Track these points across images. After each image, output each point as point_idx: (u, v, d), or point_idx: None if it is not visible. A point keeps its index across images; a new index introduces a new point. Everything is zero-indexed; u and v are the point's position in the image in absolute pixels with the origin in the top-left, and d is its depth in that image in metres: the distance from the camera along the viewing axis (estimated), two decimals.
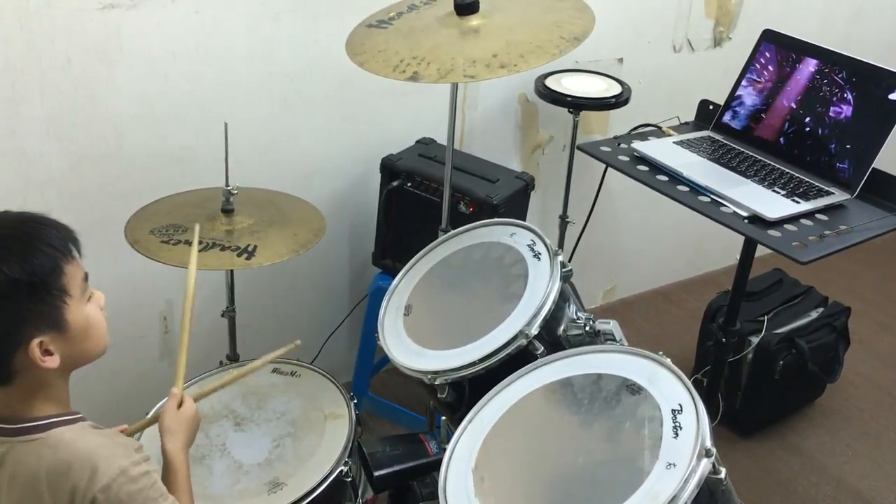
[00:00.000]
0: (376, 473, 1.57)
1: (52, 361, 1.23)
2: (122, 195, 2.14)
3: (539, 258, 1.70)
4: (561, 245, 2.85)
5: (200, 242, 1.82)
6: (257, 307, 2.53)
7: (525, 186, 2.43)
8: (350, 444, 1.70)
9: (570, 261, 2.71)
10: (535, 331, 1.57)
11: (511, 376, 1.51)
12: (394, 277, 1.87)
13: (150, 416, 1.49)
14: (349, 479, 1.66)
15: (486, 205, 2.29)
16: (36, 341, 1.20)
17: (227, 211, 1.92)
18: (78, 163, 2.11)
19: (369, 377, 2.68)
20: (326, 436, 1.73)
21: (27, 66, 1.96)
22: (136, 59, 2.08)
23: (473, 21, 1.73)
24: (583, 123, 2.89)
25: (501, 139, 2.84)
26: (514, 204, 2.39)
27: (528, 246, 1.74)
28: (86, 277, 1.28)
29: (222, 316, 2.08)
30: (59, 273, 1.23)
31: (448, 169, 2.04)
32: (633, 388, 1.37)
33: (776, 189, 1.79)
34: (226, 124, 1.87)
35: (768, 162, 1.90)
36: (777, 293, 2.88)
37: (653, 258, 3.47)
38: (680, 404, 1.30)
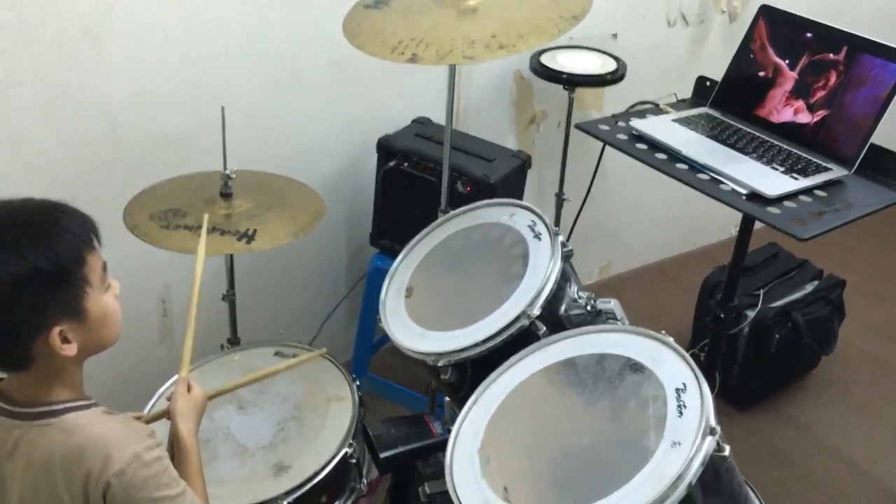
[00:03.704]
0: (382, 455, 1.58)
1: (71, 349, 1.23)
2: (117, 179, 2.13)
3: (539, 238, 1.70)
4: (558, 222, 2.85)
5: (199, 227, 1.82)
6: (255, 289, 2.53)
7: (521, 165, 2.43)
8: (354, 426, 1.71)
9: (568, 239, 2.72)
10: (537, 311, 1.57)
11: (514, 357, 1.51)
12: (392, 258, 1.87)
13: (159, 404, 1.49)
14: (354, 461, 1.67)
15: (483, 184, 2.29)
16: (56, 329, 1.21)
17: (226, 195, 1.91)
18: (72, 147, 2.09)
19: (369, 357, 2.69)
20: (330, 418, 1.74)
21: (19, 49, 1.94)
22: (128, 42, 2.06)
23: (471, 1, 1.72)
24: (578, 100, 2.88)
25: (497, 117, 2.83)
26: (511, 183, 2.39)
27: (529, 226, 1.73)
28: (104, 267, 1.29)
29: (222, 300, 2.08)
30: (81, 262, 1.24)
31: (447, 150, 2.04)
32: (637, 368, 1.37)
33: (775, 166, 1.80)
34: (223, 108, 1.86)
35: (766, 139, 1.90)
36: (772, 267, 2.89)
37: (648, 233, 3.48)
38: (683, 383, 1.30)
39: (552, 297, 1.61)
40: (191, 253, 1.72)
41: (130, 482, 1.20)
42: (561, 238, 1.68)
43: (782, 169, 1.78)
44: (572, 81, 2.56)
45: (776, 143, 1.88)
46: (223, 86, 2.23)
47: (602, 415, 1.37)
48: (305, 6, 2.27)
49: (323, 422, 1.73)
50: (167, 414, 1.45)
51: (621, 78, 2.60)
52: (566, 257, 1.67)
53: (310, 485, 1.61)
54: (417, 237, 1.86)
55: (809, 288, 2.83)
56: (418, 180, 2.38)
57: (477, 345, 1.58)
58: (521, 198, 2.51)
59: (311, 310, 2.70)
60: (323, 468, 1.63)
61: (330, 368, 1.86)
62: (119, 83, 2.09)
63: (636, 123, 1.91)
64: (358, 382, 1.82)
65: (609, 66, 2.62)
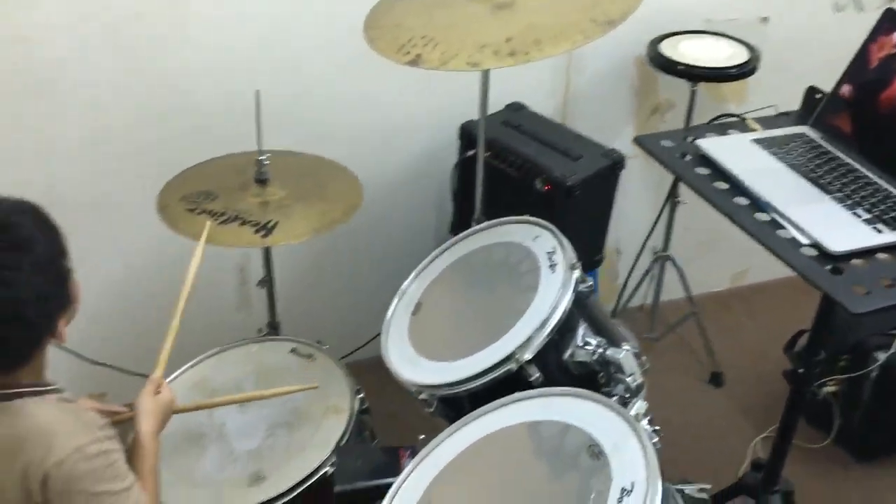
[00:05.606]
0: (336, 488, 1.48)
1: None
2: (188, 149, 2.11)
3: (553, 269, 1.50)
4: (670, 227, 2.58)
5: (223, 214, 1.78)
6: (330, 269, 2.49)
7: (612, 165, 2.19)
8: (342, 444, 1.61)
9: (667, 247, 2.44)
10: (528, 356, 1.40)
11: (481, 409, 1.35)
12: None
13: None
14: None
15: (559, 185, 2.09)
16: (63, 321, 1.25)
17: (261, 181, 1.85)
18: (145, 116, 2.10)
19: None
20: (322, 431, 1.65)
21: (98, 17, 1.96)
22: (205, 13, 2.03)
23: None
24: (715, 93, 2.57)
25: (614, 105, 2.58)
26: (596, 186, 2.16)
27: (548, 254, 1.54)
28: None
29: (257, 285, 2.03)
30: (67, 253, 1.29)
31: (481, 154, 1.87)
32: (595, 452, 1.17)
33: (859, 211, 1.46)
34: (257, 92, 1.78)
35: (865, 174, 1.55)
36: None
37: None
38: (633, 483, 1.10)
39: (554, 340, 1.43)
40: (197, 240, 1.67)
41: (70, 474, 1.19)
42: (578, 273, 1.48)
43: (867, 216, 1.44)
44: (690, 75, 2.28)
45: (876, 180, 1.53)
46: (300, 63, 2.16)
47: (548, 496, 1.19)
48: None
49: (314, 434, 1.65)
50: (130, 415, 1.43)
51: (751, 72, 2.28)
52: (581, 295, 1.47)
53: (281, 501, 1.54)
54: (440, 248, 1.72)
55: None
56: (498, 172, 2.20)
57: (457, 383, 1.43)
58: (611, 203, 2.28)
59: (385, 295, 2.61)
60: (298, 485, 1.55)
61: (338, 375, 1.77)
62: (195, 55, 2.07)
63: (703, 142, 1.62)
64: (362, 394, 1.72)
65: (739, 57, 2.30)
